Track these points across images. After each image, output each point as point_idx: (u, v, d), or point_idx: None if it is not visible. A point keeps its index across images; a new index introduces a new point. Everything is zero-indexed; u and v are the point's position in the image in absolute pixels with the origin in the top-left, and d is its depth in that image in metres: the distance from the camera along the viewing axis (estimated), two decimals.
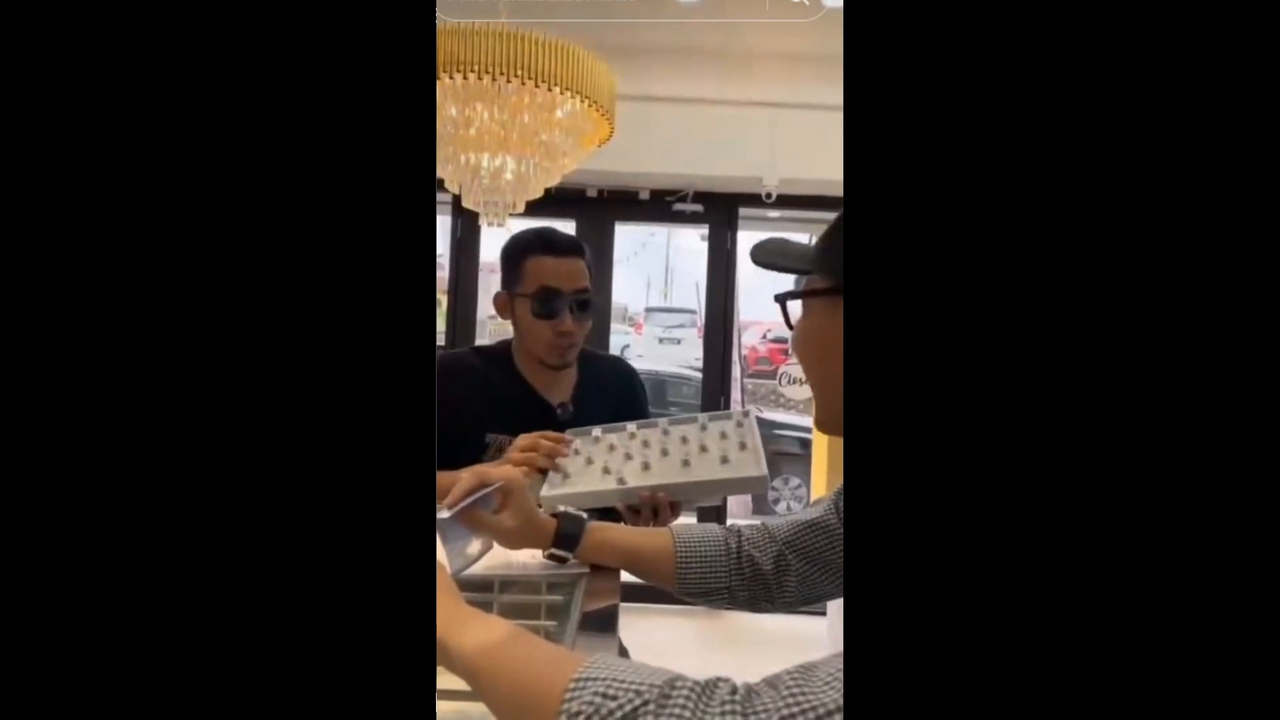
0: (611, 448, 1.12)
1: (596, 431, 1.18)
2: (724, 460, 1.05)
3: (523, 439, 1.10)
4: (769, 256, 0.66)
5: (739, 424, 1.13)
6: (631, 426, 1.17)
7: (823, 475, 2.81)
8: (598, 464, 1.09)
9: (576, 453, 1.13)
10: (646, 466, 1.06)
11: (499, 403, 1.25)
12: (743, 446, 1.07)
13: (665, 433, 1.15)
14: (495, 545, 0.88)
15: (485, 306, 3.64)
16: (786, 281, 0.69)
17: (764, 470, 1.01)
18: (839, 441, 2.86)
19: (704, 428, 1.14)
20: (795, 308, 0.66)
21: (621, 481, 1.04)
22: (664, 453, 1.09)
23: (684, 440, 1.11)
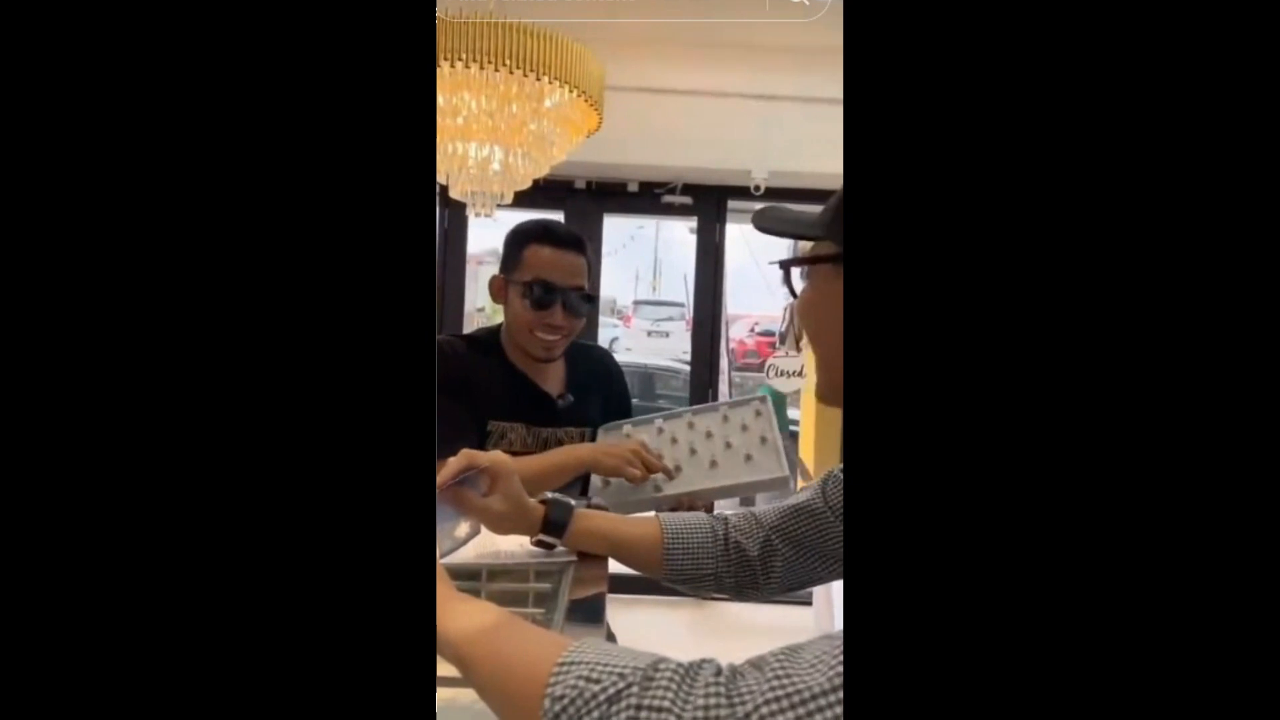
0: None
1: (627, 428, 1.24)
2: (748, 458, 1.10)
3: (629, 445, 1.14)
4: (773, 223, 0.64)
5: (758, 412, 1.18)
6: (660, 421, 1.22)
7: (810, 465, 2.82)
8: None
9: None
10: (678, 469, 1.12)
11: (495, 390, 1.26)
12: (763, 441, 1.12)
13: (691, 426, 1.19)
14: (483, 530, 0.88)
15: (473, 299, 3.62)
16: (776, 271, 0.67)
17: (786, 470, 1.07)
18: (827, 432, 2.87)
19: (725, 419, 1.19)
20: (797, 276, 0.64)
21: (657, 489, 1.10)
22: (692, 451, 1.14)
23: (709, 435, 1.16)
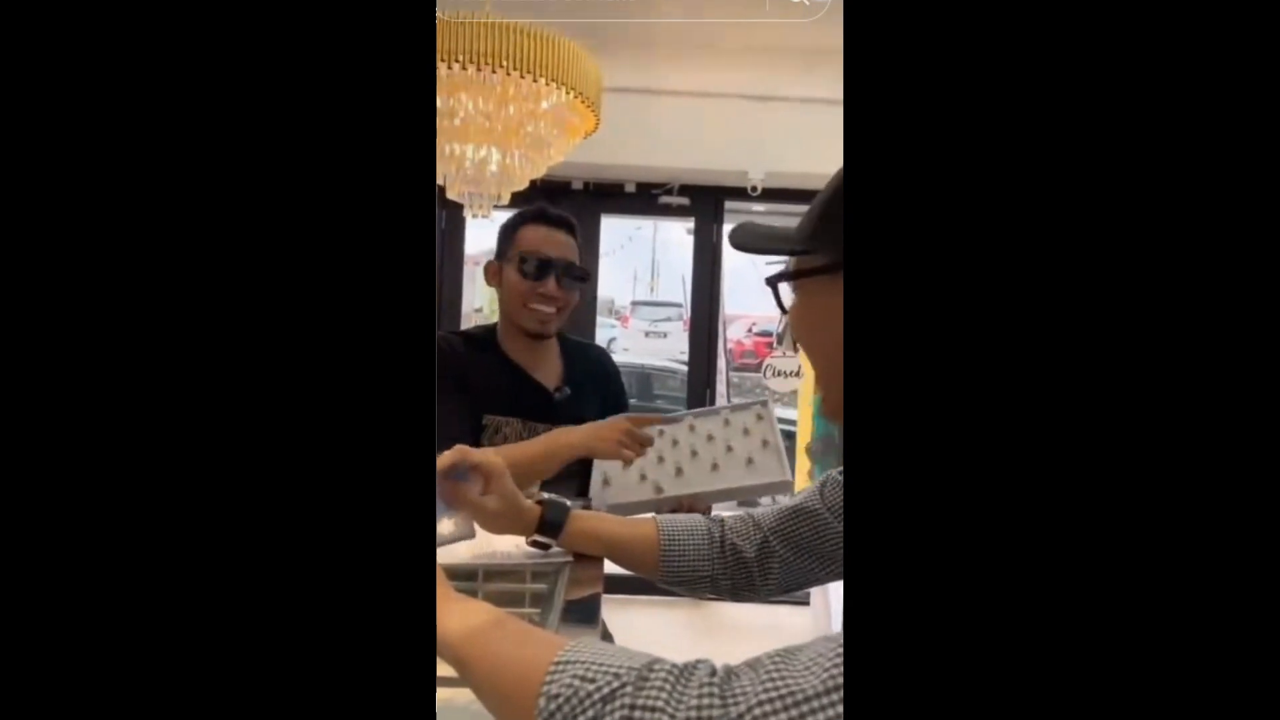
0: None
1: None
2: (749, 462, 1.11)
3: (619, 425, 1.12)
4: (751, 239, 0.61)
5: (759, 417, 1.19)
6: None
7: (806, 465, 2.82)
8: (633, 469, 1.16)
9: None
10: (680, 471, 1.13)
11: (491, 385, 1.27)
12: (765, 444, 1.13)
13: (692, 429, 1.20)
14: (473, 534, 0.88)
15: (471, 299, 3.62)
16: (770, 269, 0.63)
17: (788, 475, 1.08)
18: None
19: (727, 422, 1.20)
20: (785, 292, 0.61)
21: (659, 490, 1.11)
22: (693, 454, 1.15)
23: (710, 439, 1.17)
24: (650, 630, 2.78)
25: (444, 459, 0.82)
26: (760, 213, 3.24)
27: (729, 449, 1.14)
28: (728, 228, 3.27)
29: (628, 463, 1.11)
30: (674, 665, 0.43)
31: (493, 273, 1.35)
